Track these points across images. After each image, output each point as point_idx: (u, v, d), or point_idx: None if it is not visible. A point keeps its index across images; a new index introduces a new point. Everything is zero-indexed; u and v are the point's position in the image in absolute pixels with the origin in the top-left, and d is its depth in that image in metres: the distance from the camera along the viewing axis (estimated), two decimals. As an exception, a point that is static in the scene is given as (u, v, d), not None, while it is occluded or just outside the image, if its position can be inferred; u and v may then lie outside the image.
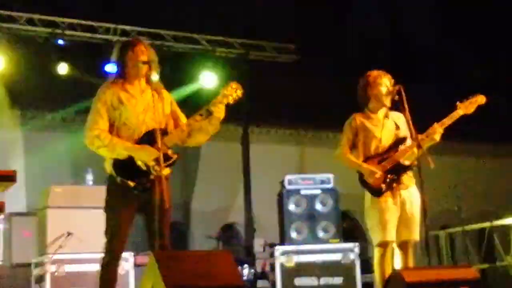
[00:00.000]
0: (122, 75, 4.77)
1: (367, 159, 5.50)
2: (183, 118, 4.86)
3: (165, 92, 4.80)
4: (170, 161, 4.63)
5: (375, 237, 5.46)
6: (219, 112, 4.72)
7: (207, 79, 11.53)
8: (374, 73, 5.59)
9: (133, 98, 4.71)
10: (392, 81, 5.54)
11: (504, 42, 11.62)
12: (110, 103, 4.67)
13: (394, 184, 5.41)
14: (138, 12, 10.94)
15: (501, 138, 16.25)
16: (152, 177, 4.52)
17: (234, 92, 4.82)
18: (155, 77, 4.68)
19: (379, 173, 5.36)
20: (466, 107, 5.49)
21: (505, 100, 12.43)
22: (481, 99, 5.53)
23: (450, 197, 8.58)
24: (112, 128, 4.66)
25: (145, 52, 4.76)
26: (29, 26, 10.32)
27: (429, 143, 5.39)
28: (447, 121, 5.44)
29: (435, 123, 5.43)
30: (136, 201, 4.60)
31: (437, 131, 5.39)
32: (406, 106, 5.27)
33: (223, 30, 11.59)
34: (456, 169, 15.48)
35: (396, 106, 5.44)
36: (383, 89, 5.51)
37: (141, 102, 4.72)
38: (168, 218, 4.61)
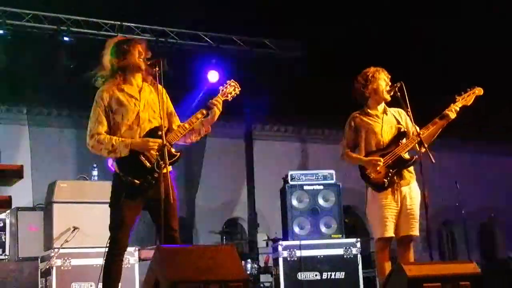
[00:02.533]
0: (120, 74, 4.78)
1: (368, 154, 5.56)
2: (175, 116, 4.92)
3: (163, 90, 4.82)
4: (174, 159, 4.68)
5: (375, 232, 5.53)
6: (218, 110, 4.77)
7: (211, 76, 11.58)
8: (372, 69, 5.64)
9: (132, 98, 4.75)
10: (389, 76, 5.62)
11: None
12: (108, 107, 4.71)
13: (396, 179, 5.47)
14: (142, 9, 10.98)
15: (503, 135, 16.27)
16: (156, 175, 4.57)
17: (233, 89, 4.90)
18: (156, 74, 4.69)
19: (380, 161, 5.42)
20: (465, 99, 5.55)
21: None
22: (479, 91, 5.58)
23: (451, 193, 8.63)
24: (115, 130, 4.70)
25: (144, 50, 4.80)
26: (34, 23, 10.39)
27: (443, 124, 5.44)
28: (447, 111, 5.50)
29: (435, 119, 5.50)
30: (141, 197, 4.65)
31: (439, 125, 5.46)
32: (407, 102, 5.34)
33: (226, 27, 11.63)
34: (458, 164, 15.53)
35: (397, 102, 5.52)
36: (383, 84, 5.57)
37: (141, 100, 4.76)
38: (176, 211, 4.66)
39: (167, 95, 4.93)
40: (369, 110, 5.64)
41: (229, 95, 4.89)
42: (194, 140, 4.92)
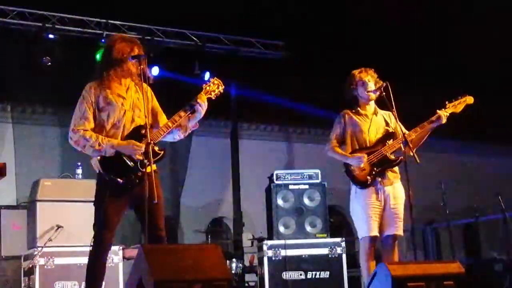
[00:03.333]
0: (110, 72, 4.77)
1: (354, 151, 5.60)
2: (162, 114, 4.91)
3: (148, 88, 4.81)
4: (158, 157, 4.67)
5: (359, 232, 5.56)
6: (202, 108, 4.76)
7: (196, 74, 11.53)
8: (357, 71, 5.71)
9: (120, 97, 4.74)
10: (376, 75, 5.66)
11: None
12: (96, 104, 4.70)
13: (379, 179, 5.50)
14: (128, 7, 10.94)
15: (487, 136, 16.41)
16: (139, 173, 4.57)
17: (216, 88, 4.90)
18: (145, 72, 4.68)
19: (364, 157, 5.46)
20: (455, 106, 5.60)
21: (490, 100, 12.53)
22: (469, 100, 5.64)
23: (435, 193, 8.67)
24: (100, 128, 4.69)
25: (137, 48, 4.80)
26: (19, 19, 10.32)
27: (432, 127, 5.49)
28: (436, 116, 5.54)
29: (424, 122, 5.54)
30: (126, 196, 4.64)
31: (428, 129, 5.51)
32: (392, 102, 5.37)
33: (213, 26, 11.61)
34: (441, 165, 15.61)
35: (383, 102, 5.55)
36: (371, 84, 5.62)
37: (128, 100, 4.76)
38: (161, 210, 4.66)
39: (152, 93, 4.92)
40: (359, 110, 5.70)
41: (213, 93, 4.89)
42: (182, 136, 4.92)
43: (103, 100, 4.70)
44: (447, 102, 5.62)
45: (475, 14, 11.21)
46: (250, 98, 12.69)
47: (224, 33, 11.87)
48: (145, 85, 4.70)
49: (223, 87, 4.94)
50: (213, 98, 4.89)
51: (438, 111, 5.54)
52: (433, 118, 5.52)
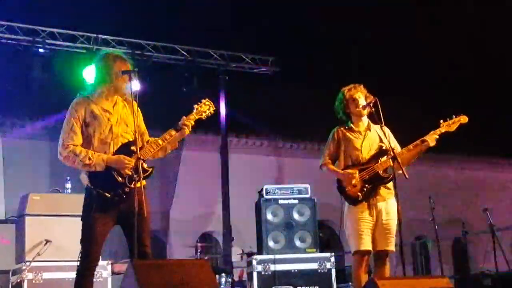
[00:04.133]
0: (99, 89, 4.79)
1: (346, 167, 5.62)
2: (146, 133, 4.93)
3: (136, 105, 4.80)
4: (147, 174, 4.67)
5: (351, 246, 5.57)
6: (188, 130, 4.84)
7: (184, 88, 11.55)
8: (347, 88, 5.72)
9: (106, 112, 4.74)
10: (365, 90, 5.69)
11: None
12: (83, 119, 4.70)
13: (371, 194, 5.52)
14: (118, 22, 10.98)
15: (474, 150, 16.52)
16: (127, 189, 4.57)
17: (207, 109, 4.97)
18: (131, 88, 4.72)
19: (356, 174, 5.47)
20: (449, 126, 5.64)
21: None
22: (463, 119, 5.68)
23: (424, 208, 8.70)
24: (88, 144, 4.69)
25: (126, 65, 4.82)
26: (9, 34, 10.32)
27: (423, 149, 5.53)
28: (429, 137, 5.58)
29: (418, 140, 5.57)
30: (113, 211, 4.63)
31: (420, 148, 5.54)
32: (381, 118, 5.40)
33: (202, 41, 11.67)
34: (430, 180, 15.68)
35: (372, 118, 5.58)
36: (361, 101, 5.64)
37: (114, 115, 4.76)
38: (148, 226, 4.65)
39: (139, 110, 4.92)
40: (352, 126, 5.72)
41: (203, 114, 4.96)
42: (160, 156, 4.93)
43: (89, 114, 4.71)
44: (441, 121, 5.66)
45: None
46: (240, 113, 12.73)
47: (214, 48, 11.92)
48: (135, 103, 4.72)
49: (214, 108, 5.03)
50: (204, 118, 4.96)
51: (426, 137, 5.56)
52: (418, 142, 5.54)
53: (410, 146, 5.54)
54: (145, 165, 4.68)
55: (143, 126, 4.95)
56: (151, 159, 4.88)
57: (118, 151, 4.69)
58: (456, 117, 5.68)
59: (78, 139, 4.68)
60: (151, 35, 11.31)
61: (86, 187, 4.70)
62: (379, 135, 5.69)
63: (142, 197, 4.41)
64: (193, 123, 4.88)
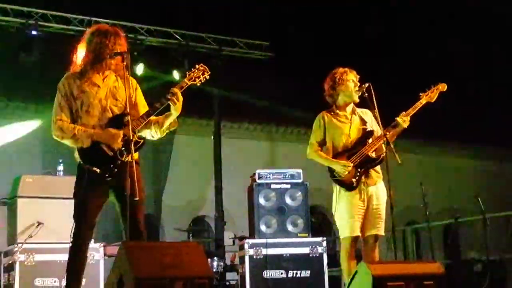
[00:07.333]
0: (89, 63, 4.68)
1: (336, 155, 5.61)
2: (145, 108, 4.76)
3: (132, 80, 4.74)
4: (138, 145, 4.58)
5: (341, 231, 5.58)
6: (174, 102, 4.55)
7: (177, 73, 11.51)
8: (340, 70, 5.69)
9: (95, 86, 4.67)
10: (358, 76, 5.67)
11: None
12: (70, 93, 4.64)
13: (364, 178, 5.52)
14: (112, 5, 10.92)
15: (466, 137, 16.56)
16: (119, 162, 4.50)
17: (201, 74, 4.77)
18: (127, 68, 4.57)
19: (350, 165, 5.47)
20: (429, 96, 5.64)
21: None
22: (442, 87, 5.68)
23: (416, 194, 8.73)
24: (76, 118, 4.63)
25: (121, 43, 4.72)
26: (2, 16, 10.26)
27: (398, 131, 5.51)
28: (411, 110, 5.57)
29: (402, 112, 5.56)
30: (105, 188, 4.60)
31: (404, 119, 5.52)
32: (375, 103, 5.40)
33: (196, 25, 11.63)
34: (422, 166, 15.73)
35: (365, 103, 5.57)
36: (351, 85, 5.62)
37: (103, 88, 4.68)
38: (141, 202, 4.57)
39: (138, 87, 4.83)
40: (338, 111, 5.69)
41: (197, 80, 4.75)
42: (159, 134, 4.74)
43: (77, 88, 4.64)
44: (421, 94, 5.65)
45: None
46: (233, 98, 12.71)
47: (208, 32, 11.88)
48: (132, 79, 4.65)
49: (209, 73, 4.77)
50: (198, 84, 4.77)
51: (397, 118, 5.54)
52: (392, 124, 5.52)
53: (390, 127, 5.50)
54: (136, 137, 4.56)
55: (142, 101, 4.81)
56: (151, 138, 4.74)
57: (108, 124, 4.61)
58: (434, 86, 5.67)
59: (65, 114, 4.62)
60: (144, 18, 11.26)
61: (77, 164, 4.66)
62: (361, 118, 5.68)
63: (134, 175, 4.27)
64: (181, 90, 4.58)
